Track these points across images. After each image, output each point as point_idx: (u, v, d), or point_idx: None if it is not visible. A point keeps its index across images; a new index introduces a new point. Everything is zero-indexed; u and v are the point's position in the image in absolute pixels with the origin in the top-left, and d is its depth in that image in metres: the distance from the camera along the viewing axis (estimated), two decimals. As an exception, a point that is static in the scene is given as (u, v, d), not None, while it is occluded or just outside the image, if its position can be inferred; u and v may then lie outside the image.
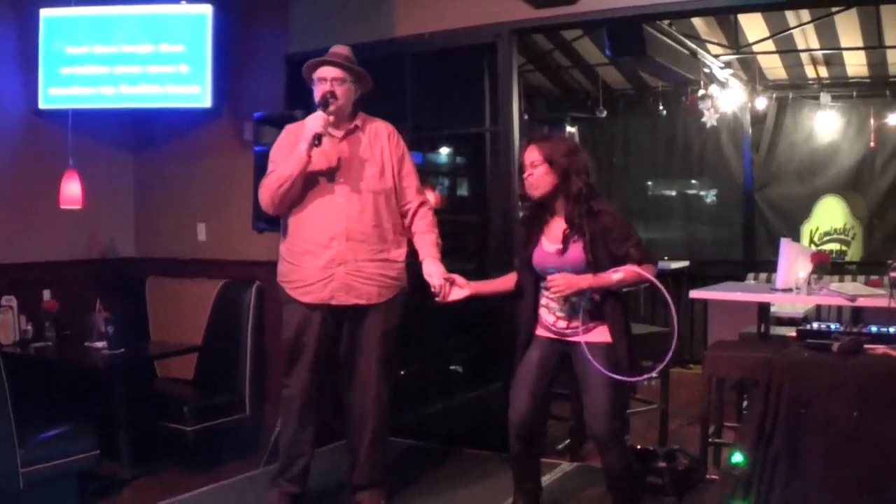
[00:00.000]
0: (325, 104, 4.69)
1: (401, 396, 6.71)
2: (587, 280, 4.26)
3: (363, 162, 4.83)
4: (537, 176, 4.38)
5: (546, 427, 4.75)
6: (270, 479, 5.08)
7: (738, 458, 4.36)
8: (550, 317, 4.48)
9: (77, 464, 5.35)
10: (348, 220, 4.73)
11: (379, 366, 4.90)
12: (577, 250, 4.34)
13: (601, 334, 4.37)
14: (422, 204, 5.01)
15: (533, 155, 4.40)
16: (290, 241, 4.85)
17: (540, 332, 4.55)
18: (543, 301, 4.52)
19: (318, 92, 4.76)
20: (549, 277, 4.32)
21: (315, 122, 4.61)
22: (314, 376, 4.87)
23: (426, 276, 4.74)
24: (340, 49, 4.89)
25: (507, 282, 4.74)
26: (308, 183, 4.75)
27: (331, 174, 4.77)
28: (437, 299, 4.67)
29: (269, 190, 4.73)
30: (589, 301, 4.35)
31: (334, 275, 4.72)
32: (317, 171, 4.75)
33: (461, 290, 4.65)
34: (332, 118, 4.72)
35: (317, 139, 4.59)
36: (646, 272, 4.27)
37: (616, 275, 4.24)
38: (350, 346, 4.93)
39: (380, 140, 4.92)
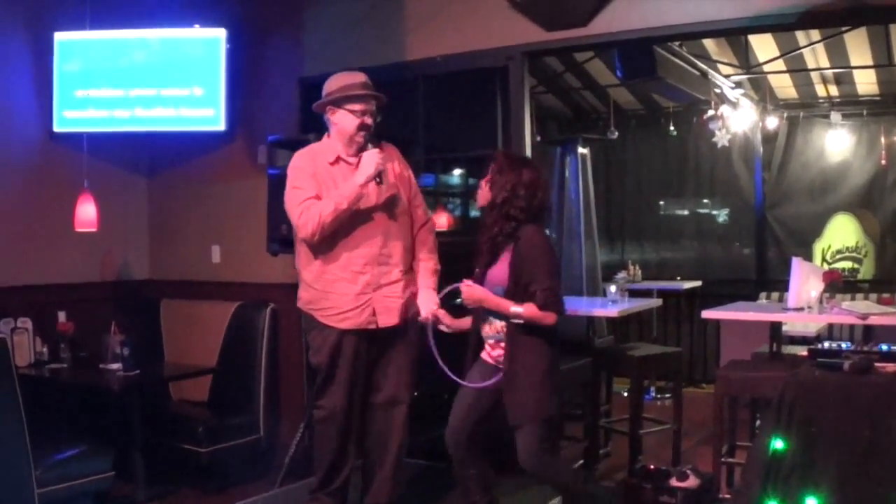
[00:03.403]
0: (368, 138, 4.79)
1: (415, 417, 6.73)
2: (490, 299, 4.44)
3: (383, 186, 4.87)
4: (482, 187, 4.63)
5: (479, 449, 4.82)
6: (309, 492, 5.10)
7: (779, 444, 4.33)
8: (486, 343, 4.68)
9: (92, 485, 5.38)
10: (378, 245, 4.80)
11: (409, 380, 4.98)
12: (501, 270, 4.49)
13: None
14: (424, 224, 5.07)
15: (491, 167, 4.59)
16: (317, 268, 4.83)
17: (484, 355, 4.70)
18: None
19: (352, 121, 4.79)
20: (463, 283, 4.52)
21: (373, 159, 4.68)
22: (349, 397, 4.89)
23: (417, 305, 4.87)
24: (363, 77, 4.89)
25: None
26: None
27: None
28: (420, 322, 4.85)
29: (318, 220, 4.67)
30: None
31: (371, 299, 4.78)
32: None
33: (444, 327, 4.82)
34: (381, 152, 4.79)
35: (380, 177, 4.69)
36: (544, 318, 4.35)
37: (515, 308, 4.36)
38: (378, 365, 4.95)
39: (391, 163, 4.95)
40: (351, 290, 4.77)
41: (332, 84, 4.86)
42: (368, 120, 4.78)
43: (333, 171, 4.80)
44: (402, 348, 4.93)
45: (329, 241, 4.77)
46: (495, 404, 4.60)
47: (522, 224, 4.45)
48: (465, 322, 4.84)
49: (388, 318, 4.83)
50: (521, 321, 4.36)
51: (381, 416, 4.98)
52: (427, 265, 5.01)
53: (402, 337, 4.92)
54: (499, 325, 4.52)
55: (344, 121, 4.81)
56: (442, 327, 4.79)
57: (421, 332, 4.91)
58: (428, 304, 4.83)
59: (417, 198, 5.06)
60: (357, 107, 4.79)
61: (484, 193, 4.58)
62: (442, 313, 4.79)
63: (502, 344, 4.50)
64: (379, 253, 4.79)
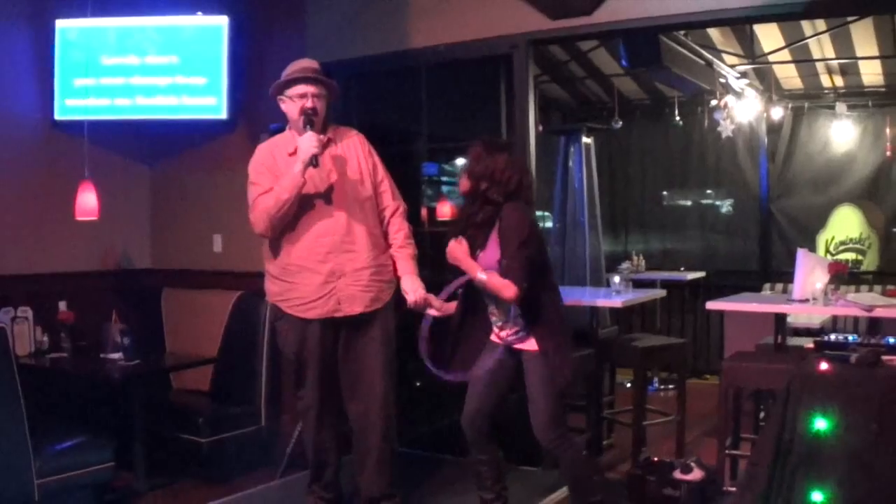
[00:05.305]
0: (310, 122, 4.72)
1: (416, 408, 6.71)
2: (465, 260, 4.48)
3: (344, 173, 4.85)
4: (462, 176, 4.66)
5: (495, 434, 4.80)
6: (306, 485, 5.13)
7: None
8: (494, 326, 4.65)
9: (92, 475, 5.36)
10: (340, 233, 4.75)
11: (383, 370, 4.89)
12: (492, 253, 4.47)
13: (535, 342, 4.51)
14: (395, 211, 5.01)
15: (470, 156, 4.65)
16: (282, 259, 4.84)
17: (493, 337, 4.67)
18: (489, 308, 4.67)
19: (296, 108, 4.77)
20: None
21: (309, 142, 4.62)
22: (324, 386, 4.89)
23: (403, 292, 4.82)
24: (311, 63, 4.90)
25: None
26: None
27: (316, 189, 4.78)
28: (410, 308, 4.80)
29: (267, 214, 4.70)
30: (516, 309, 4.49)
31: (336, 287, 4.74)
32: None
33: (434, 310, 4.74)
34: (323, 136, 4.77)
35: (314, 160, 4.62)
36: (503, 287, 4.31)
37: (480, 274, 4.40)
38: (349, 355, 4.90)
39: (354, 149, 4.94)
40: (315, 280, 4.75)
41: (283, 73, 4.88)
42: (309, 104, 4.74)
43: (290, 161, 4.74)
44: (369, 341, 4.86)
45: (290, 231, 4.78)
46: (510, 385, 4.70)
47: (502, 205, 4.47)
48: (453, 305, 4.82)
49: (353, 305, 4.78)
50: (483, 287, 4.43)
51: (360, 409, 4.94)
52: (405, 251, 4.97)
53: (368, 329, 4.86)
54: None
55: (289, 108, 4.83)
56: (432, 311, 4.73)
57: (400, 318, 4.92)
58: (414, 288, 4.79)
59: (384, 184, 5.00)
60: (295, 91, 4.78)
61: (465, 182, 4.59)
62: (431, 297, 4.74)
63: (510, 325, 4.54)
64: (342, 240, 4.74)
